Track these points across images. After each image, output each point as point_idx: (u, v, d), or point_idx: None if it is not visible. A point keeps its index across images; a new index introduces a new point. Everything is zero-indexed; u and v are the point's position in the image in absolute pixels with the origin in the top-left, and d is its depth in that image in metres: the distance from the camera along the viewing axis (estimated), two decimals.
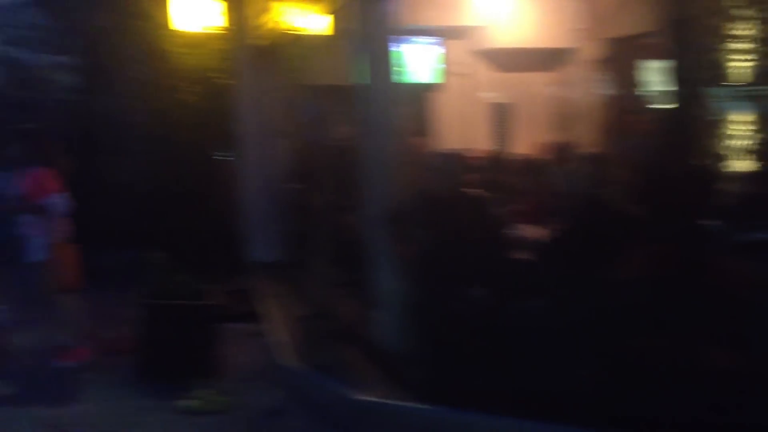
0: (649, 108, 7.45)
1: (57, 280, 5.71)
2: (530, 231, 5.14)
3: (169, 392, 5.17)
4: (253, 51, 7.85)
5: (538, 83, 8.58)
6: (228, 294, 6.24)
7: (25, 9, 13.16)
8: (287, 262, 7.67)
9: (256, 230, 7.99)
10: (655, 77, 7.33)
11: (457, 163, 4.84)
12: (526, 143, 7.73)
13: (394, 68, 4.73)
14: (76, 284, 5.95)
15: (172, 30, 7.79)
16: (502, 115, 8.49)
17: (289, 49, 7.28)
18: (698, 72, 5.62)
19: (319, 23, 7.45)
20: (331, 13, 7.22)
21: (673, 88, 5.86)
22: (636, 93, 7.90)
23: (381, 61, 4.63)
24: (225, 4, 7.76)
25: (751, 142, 5.47)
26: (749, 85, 5.45)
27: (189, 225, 7.54)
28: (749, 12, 5.41)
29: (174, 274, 5.69)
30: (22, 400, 5.15)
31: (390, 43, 4.64)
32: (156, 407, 5.04)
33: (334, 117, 7.06)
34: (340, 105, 7.08)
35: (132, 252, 8.35)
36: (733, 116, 5.57)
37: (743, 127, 5.53)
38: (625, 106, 7.97)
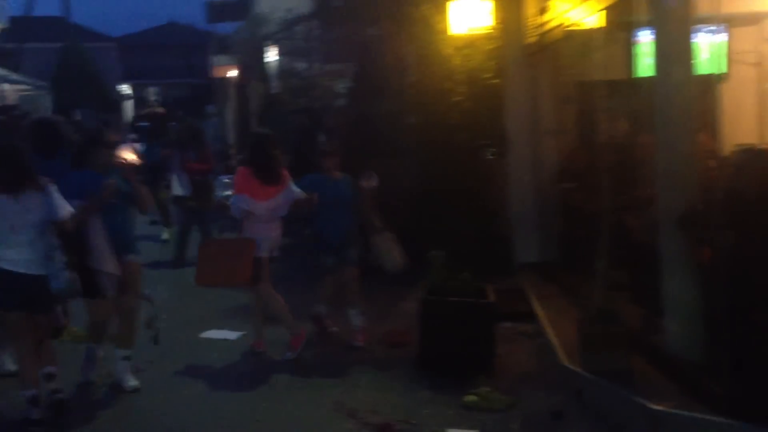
0: None
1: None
2: None
3: (449, 387, 5.30)
4: (524, 49, 7.81)
5: None
6: (500, 293, 6.24)
7: (302, 22, 14.25)
8: (557, 263, 7.55)
9: (525, 230, 7.95)
10: None
11: (763, 159, 4.43)
12: None
13: (692, 60, 4.45)
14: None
15: (443, 33, 7.96)
16: None
17: (562, 45, 7.13)
18: None
19: (593, 18, 7.22)
20: (606, 7, 6.96)
21: None
22: None
23: (679, 53, 4.37)
24: (494, 4, 7.78)
25: None
26: None
27: (459, 224, 7.66)
28: None
29: (454, 271, 5.80)
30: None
31: (690, 34, 4.36)
32: (438, 401, 5.16)
33: (610, 113, 6.79)
34: (616, 100, 6.79)
35: (409, 250, 8.72)
36: None
37: None
38: None
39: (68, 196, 4.88)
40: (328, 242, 6.36)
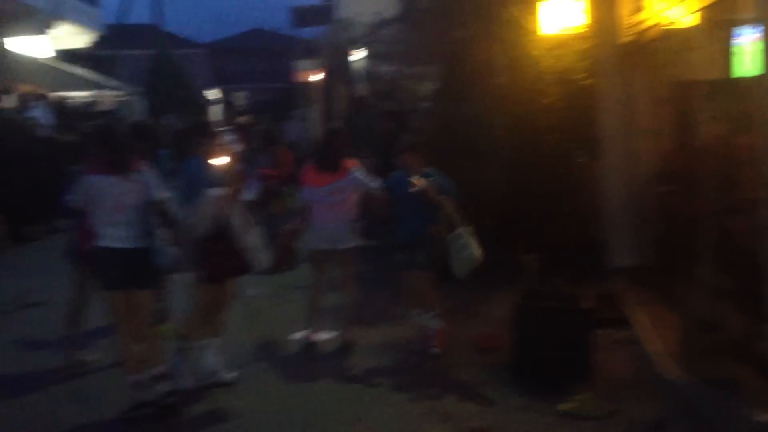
0: None
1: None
2: None
3: (544, 394, 5.23)
4: (619, 49, 7.63)
5: None
6: (595, 298, 6.11)
7: (388, 25, 14.34)
8: (652, 268, 7.34)
9: (619, 233, 7.75)
10: None
11: None
12: None
13: None
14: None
15: (534, 34, 7.87)
16: None
17: (659, 44, 6.94)
18: None
19: (690, 16, 7.00)
20: (705, 5, 6.73)
21: None
22: None
23: None
24: (587, 3, 7.64)
25: None
26: None
27: (550, 228, 7.55)
28: None
29: (548, 276, 5.72)
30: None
31: None
32: (533, 407, 5.10)
33: (709, 114, 6.56)
34: (715, 101, 6.56)
35: (494, 253, 8.64)
36: None
37: None
38: None
39: (196, 183, 5.28)
40: (400, 240, 6.25)
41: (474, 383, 5.57)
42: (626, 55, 7.54)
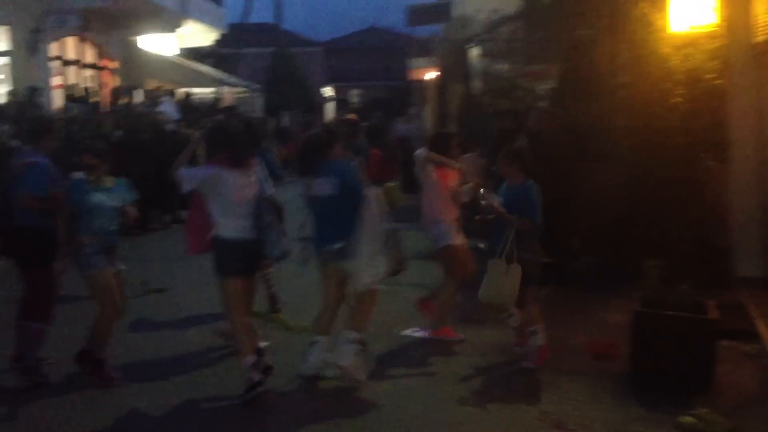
0: None
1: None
2: None
3: (663, 405, 5.04)
4: (752, 48, 7.26)
5: None
6: (720, 309, 5.83)
7: (506, 23, 14.15)
8: None
9: (745, 242, 7.37)
10: None
11: None
12: None
13: None
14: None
15: (662, 31, 7.58)
16: None
17: None
18: None
19: None
20: None
21: None
22: None
23: None
24: (720, 1, 7.29)
25: None
26: None
27: (673, 233, 7.27)
28: None
29: (672, 283, 5.49)
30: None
31: None
32: (651, 418, 4.92)
33: None
34: None
35: (610, 256, 8.40)
36: None
37: None
38: None
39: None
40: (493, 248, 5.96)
41: (589, 391, 5.40)
42: (760, 55, 7.15)
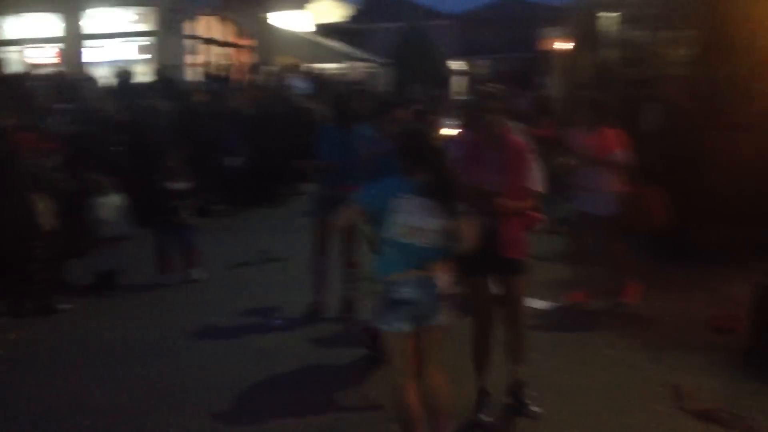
0: None
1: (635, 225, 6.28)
2: None
3: None
4: None
5: None
6: None
7: None
8: None
9: None
10: None
11: None
12: None
13: None
14: (664, 222, 6.38)
15: None
16: None
17: None
18: None
19: None
20: None
21: None
22: None
23: None
24: None
25: None
26: None
27: None
28: None
29: None
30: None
31: None
32: (766, 393, 4.70)
33: None
34: None
35: (742, 230, 7.95)
36: None
37: None
38: None
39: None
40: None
41: (704, 364, 5.21)
42: None
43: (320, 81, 17.53)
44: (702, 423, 4.37)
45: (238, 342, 5.99)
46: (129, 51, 17.00)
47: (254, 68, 17.24)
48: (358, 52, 24.03)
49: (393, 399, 3.87)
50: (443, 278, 3.76)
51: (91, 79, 14.40)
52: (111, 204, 7.57)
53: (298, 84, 16.08)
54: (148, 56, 16.75)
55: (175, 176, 7.77)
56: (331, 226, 5.93)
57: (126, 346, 5.95)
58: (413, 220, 3.66)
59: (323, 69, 19.21)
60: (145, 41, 17.00)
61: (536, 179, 4.37)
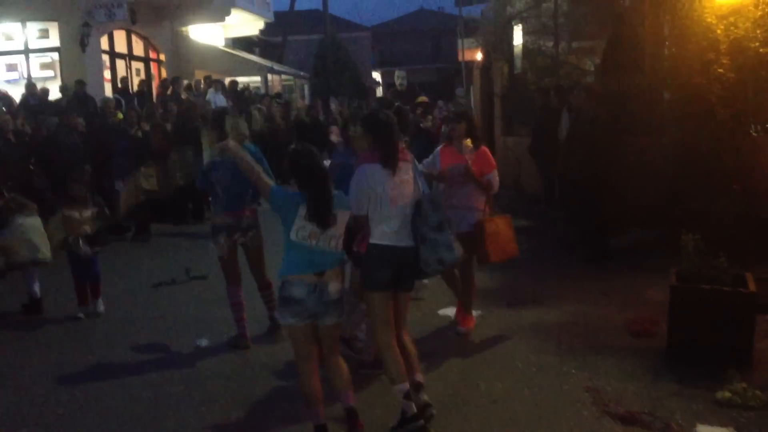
0: None
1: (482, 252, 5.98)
2: None
3: (699, 380, 4.95)
4: None
5: None
6: (761, 282, 5.66)
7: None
8: None
9: None
10: None
11: None
12: None
13: None
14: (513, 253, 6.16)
15: (706, 1, 7.38)
16: None
17: None
18: None
19: None
20: None
21: None
22: None
23: None
24: None
25: None
26: None
27: (717, 206, 7.08)
28: None
29: (709, 257, 5.36)
30: None
31: None
32: (686, 394, 4.83)
33: None
34: None
35: (654, 232, 8.25)
36: None
37: None
38: None
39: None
40: None
41: (625, 367, 5.34)
42: None
43: (236, 94, 17.32)
44: (625, 426, 4.45)
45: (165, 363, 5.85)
46: (32, 67, 16.45)
47: (165, 83, 16.83)
48: (275, 65, 23.86)
49: (299, 382, 4.33)
50: (335, 285, 4.19)
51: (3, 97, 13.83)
52: (32, 225, 7.11)
53: (214, 97, 15.83)
54: (51, 73, 16.30)
55: (76, 202, 7.15)
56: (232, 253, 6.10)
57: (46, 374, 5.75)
58: (311, 225, 4.11)
59: (239, 82, 18.97)
60: (48, 57, 16.49)
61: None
